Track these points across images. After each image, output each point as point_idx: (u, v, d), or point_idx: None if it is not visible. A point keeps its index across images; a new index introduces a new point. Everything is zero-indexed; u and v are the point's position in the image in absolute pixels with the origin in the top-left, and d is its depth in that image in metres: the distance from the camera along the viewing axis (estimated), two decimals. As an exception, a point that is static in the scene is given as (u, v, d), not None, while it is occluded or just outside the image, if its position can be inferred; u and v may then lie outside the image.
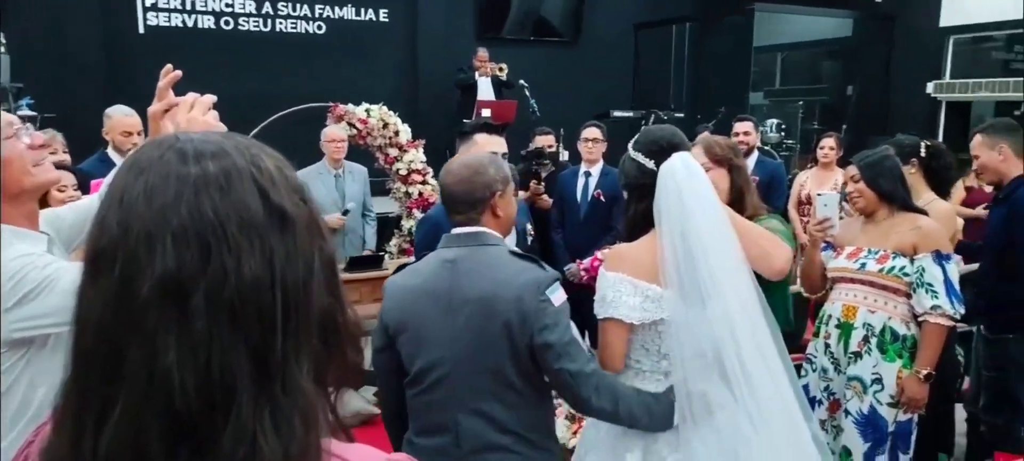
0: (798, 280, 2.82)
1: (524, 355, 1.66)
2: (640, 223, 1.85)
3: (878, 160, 2.55)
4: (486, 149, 2.41)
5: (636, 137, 1.92)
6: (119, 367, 0.56)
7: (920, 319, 2.45)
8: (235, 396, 0.56)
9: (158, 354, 0.55)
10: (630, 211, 1.90)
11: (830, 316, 2.60)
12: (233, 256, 0.58)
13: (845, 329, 2.54)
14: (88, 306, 0.58)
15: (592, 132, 4.32)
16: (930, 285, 2.41)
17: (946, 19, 8.12)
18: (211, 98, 1.46)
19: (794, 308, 2.53)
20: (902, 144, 2.87)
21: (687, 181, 1.77)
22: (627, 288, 1.77)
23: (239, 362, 0.57)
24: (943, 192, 3.06)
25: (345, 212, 4.52)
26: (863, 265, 2.53)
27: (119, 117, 3.86)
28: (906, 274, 2.45)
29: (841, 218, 2.69)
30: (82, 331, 0.59)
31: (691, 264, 1.73)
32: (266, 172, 0.63)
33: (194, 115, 1.34)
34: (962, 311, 2.44)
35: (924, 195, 2.84)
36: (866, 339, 2.49)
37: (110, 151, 3.83)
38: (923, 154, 2.88)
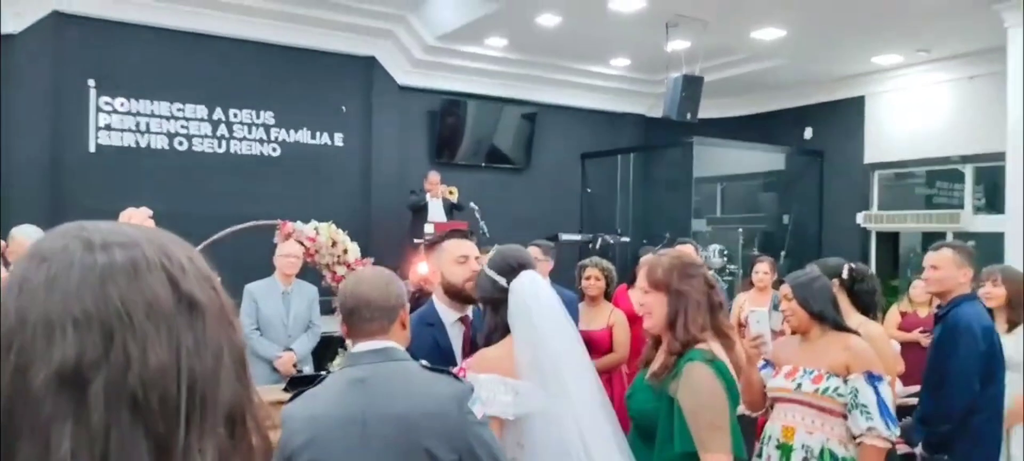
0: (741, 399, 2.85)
1: None
2: (498, 331, 2.06)
3: (808, 281, 2.67)
4: (457, 253, 2.41)
5: (490, 256, 2.18)
6: None
7: (857, 441, 2.47)
8: None
9: (52, 447, 0.53)
10: (487, 321, 2.11)
11: (770, 437, 2.62)
12: (138, 344, 0.56)
13: (784, 450, 2.56)
14: None
15: (534, 252, 4.39)
16: (864, 406, 2.44)
17: (870, 156, 8.74)
18: (146, 211, 1.46)
19: (743, 428, 2.55)
20: (827, 265, 3.02)
21: (533, 296, 2.00)
22: (499, 387, 1.87)
23: (138, 453, 0.55)
24: (869, 316, 3.18)
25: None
26: (799, 385, 2.58)
27: (20, 238, 3.65)
28: (840, 395, 2.49)
29: (778, 333, 2.77)
30: None
31: (541, 369, 1.90)
32: (176, 260, 0.62)
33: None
34: (896, 433, 2.47)
35: (854, 317, 2.94)
36: (805, 460, 2.51)
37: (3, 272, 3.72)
38: (845, 276, 3.02)
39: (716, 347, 2.10)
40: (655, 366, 2.15)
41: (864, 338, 2.62)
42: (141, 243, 0.62)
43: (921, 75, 8.25)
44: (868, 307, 3.03)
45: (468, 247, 2.51)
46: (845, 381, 2.50)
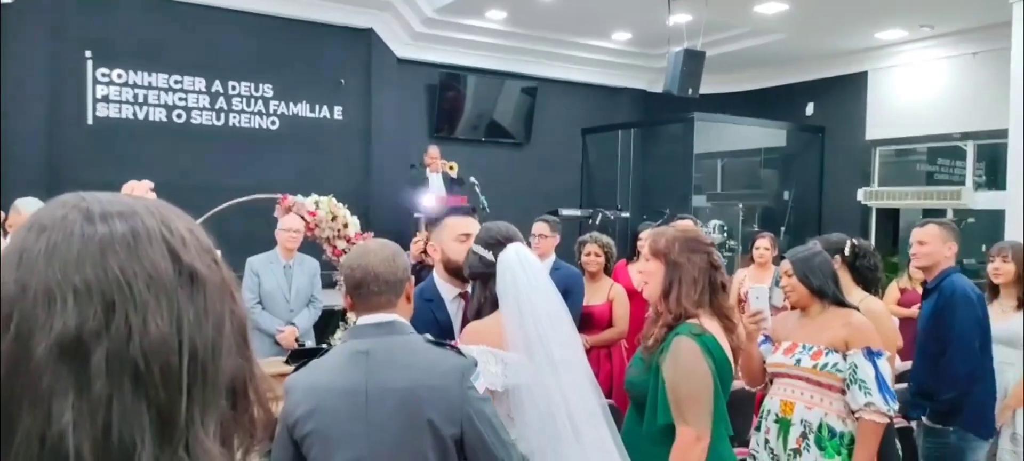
0: (740, 374, 2.87)
1: (450, 447, 1.61)
2: (487, 306, 2.08)
3: (809, 256, 2.66)
4: (458, 230, 2.41)
5: (477, 233, 2.21)
6: (11, 433, 0.53)
7: (856, 415, 2.49)
8: (135, 460, 0.54)
9: (53, 418, 0.52)
10: (476, 296, 2.13)
11: (769, 411, 2.64)
12: (139, 314, 0.55)
13: (783, 425, 2.57)
14: None
15: (540, 227, 4.38)
16: (863, 382, 2.45)
17: (871, 133, 8.70)
18: (148, 183, 1.47)
19: (739, 403, 2.58)
20: (829, 240, 3.02)
21: (520, 269, 2.00)
22: (488, 358, 1.89)
23: (140, 424, 0.54)
24: (871, 291, 3.20)
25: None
26: (798, 361, 2.59)
27: (24, 211, 3.64)
28: (839, 371, 2.50)
29: (779, 310, 2.77)
30: None
31: (528, 340, 1.92)
32: (177, 233, 0.61)
33: None
34: (895, 408, 2.49)
35: (855, 293, 2.93)
36: (804, 435, 2.52)
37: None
38: (846, 252, 3.02)
39: (711, 324, 2.11)
40: (648, 340, 2.18)
41: (865, 314, 2.61)
42: (141, 213, 0.61)
43: (924, 51, 8.18)
44: (869, 283, 3.03)
45: (470, 224, 2.49)
46: (844, 357, 2.51)
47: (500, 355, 1.88)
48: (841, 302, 2.63)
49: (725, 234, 8.17)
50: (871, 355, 2.49)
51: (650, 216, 7.83)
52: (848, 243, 3.00)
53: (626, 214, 8.45)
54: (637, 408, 2.21)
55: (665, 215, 7.40)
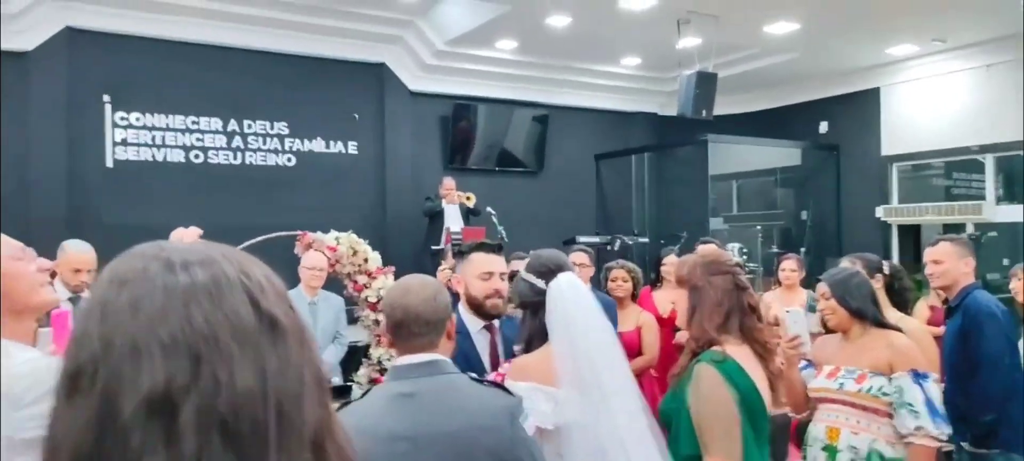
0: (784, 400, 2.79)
1: None
2: (536, 336, 2.02)
3: (846, 277, 2.61)
4: (482, 268, 2.38)
5: (528, 260, 2.17)
6: None
7: (905, 440, 2.41)
8: None
9: None
10: (526, 325, 2.09)
11: (815, 439, 2.57)
12: (226, 366, 0.54)
13: (830, 452, 2.50)
14: (64, 428, 0.54)
15: (579, 257, 4.17)
16: (911, 405, 2.38)
17: (887, 149, 8.65)
18: (197, 231, 1.53)
19: (776, 430, 2.51)
20: (866, 260, 2.97)
21: (572, 298, 1.96)
22: (538, 395, 1.85)
23: None
24: (904, 312, 3.14)
25: None
26: (841, 385, 2.52)
27: (73, 252, 3.69)
28: (885, 394, 2.43)
29: (816, 333, 2.72)
30: (55, 455, 0.54)
31: (579, 373, 1.87)
32: (255, 279, 0.60)
33: None
34: (948, 431, 2.40)
35: (891, 314, 2.88)
36: None
37: (57, 285, 3.72)
38: (887, 272, 2.97)
39: (737, 350, 2.03)
40: (676, 367, 2.14)
41: (907, 333, 2.56)
42: (219, 261, 0.60)
43: (937, 65, 8.16)
44: (904, 303, 2.98)
45: (494, 263, 2.46)
46: (889, 380, 2.45)
47: (550, 392, 1.83)
48: (881, 323, 2.58)
49: (744, 256, 8.11)
50: (918, 377, 2.42)
51: (668, 240, 7.79)
52: (886, 265, 2.95)
53: (644, 239, 8.41)
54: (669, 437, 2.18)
55: (683, 239, 7.37)
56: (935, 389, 2.43)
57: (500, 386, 1.66)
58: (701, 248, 4.61)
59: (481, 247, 2.54)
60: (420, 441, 1.52)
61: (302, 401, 0.58)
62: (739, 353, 2.04)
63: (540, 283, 2.04)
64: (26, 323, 1.53)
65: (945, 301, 3.25)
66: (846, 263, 2.98)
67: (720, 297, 2.08)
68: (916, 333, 2.71)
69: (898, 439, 2.43)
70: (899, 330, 2.56)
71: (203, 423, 0.53)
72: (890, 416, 2.44)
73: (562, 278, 2.01)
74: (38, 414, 1.29)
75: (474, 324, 2.43)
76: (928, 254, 3.18)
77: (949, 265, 3.08)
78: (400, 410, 1.56)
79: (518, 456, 1.54)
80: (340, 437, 0.63)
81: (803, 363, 2.66)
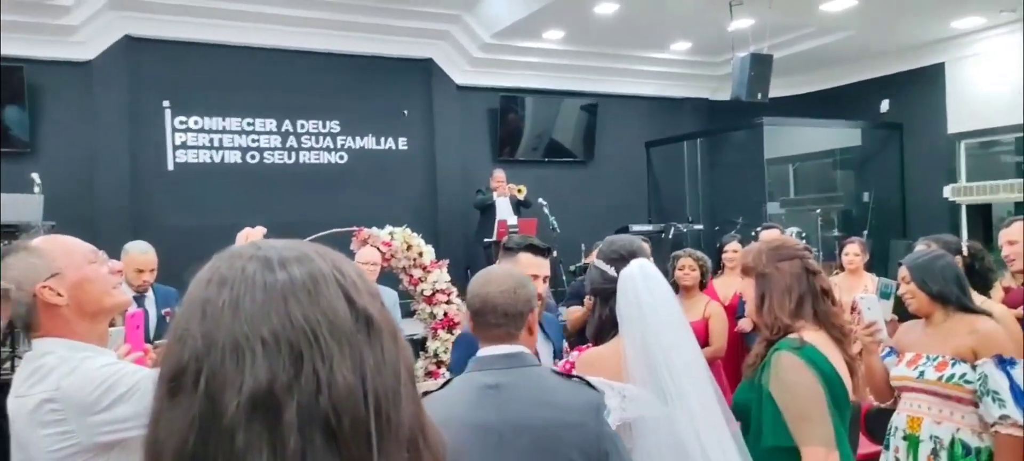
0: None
1: None
2: (607, 326, 1.96)
3: (929, 260, 2.49)
4: (528, 271, 2.34)
5: (600, 247, 2.10)
6: None
7: (992, 429, 2.29)
8: None
9: None
10: (595, 315, 2.03)
11: (896, 428, 2.47)
12: (326, 364, 0.54)
13: (912, 442, 2.40)
14: (167, 428, 0.54)
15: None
16: (996, 393, 2.26)
17: (953, 126, 8.29)
18: (262, 230, 1.56)
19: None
20: (943, 241, 2.83)
21: (644, 286, 1.87)
22: (607, 390, 1.76)
23: None
24: (986, 295, 2.99)
25: None
26: (922, 373, 2.41)
27: (135, 253, 3.76)
28: (968, 381, 2.32)
29: (898, 321, 2.60)
30: (158, 456, 0.54)
31: (652, 365, 1.79)
32: (349, 276, 0.60)
33: None
34: None
35: (974, 297, 2.74)
36: (935, 452, 2.34)
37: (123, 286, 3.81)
38: (965, 253, 2.82)
39: (814, 336, 1.95)
40: (750, 357, 2.06)
41: (994, 317, 2.42)
42: (314, 258, 0.60)
43: (1005, 37, 7.76)
44: (986, 285, 2.82)
45: (541, 266, 2.46)
46: (973, 367, 2.32)
47: (618, 388, 1.76)
48: (967, 307, 2.44)
49: (803, 240, 7.88)
50: (1003, 363, 2.29)
51: (723, 227, 7.63)
52: (965, 245, 2.81)
53: (699, 226, 8.26)
54: (744, 429, 2.10)
55: (739, 225, 7.20)
56: (1023, 375, 2.29)
57: (584, 381, 1.61)
58: (765, 234, 4.49)
59: (530, 248, 2.52)
60: (507, 433, 1.50)
61: (399, 399, 0.57)
62: (816, 339, 1.95)
63: (611, 270, 1.96)
64: (100, 325, 1.54)
65: None
66: (921, 247, 2.84)
67: (790, 282, 1.99)
68: (1004, 318, 2.57)
69: (984, 428, 2.31)
70: (987, 314, 2.42)
71: (306, 421, 0.52)
72: (975, 404, 2.32)
73: (634, 264, 1.91)
74: (112, 420, 1.31)
75: None
76: (1002, 235, 3.06)
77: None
78: (487, 402, 1.53)
79: (605, 450, 1.50)
80: (433, 435, 0.63)
81: (886, 350, 2.55)
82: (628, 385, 1.79)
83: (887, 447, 2.50)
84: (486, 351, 1.63)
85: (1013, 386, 2.27)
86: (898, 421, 2.46)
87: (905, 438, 2.42)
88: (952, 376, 2.35)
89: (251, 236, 1.50)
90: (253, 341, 0.53)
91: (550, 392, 1.55)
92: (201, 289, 0.58)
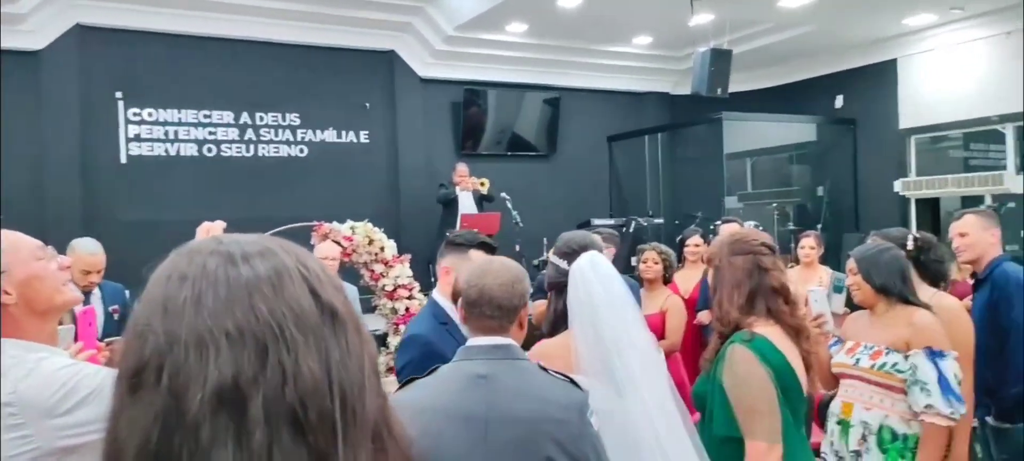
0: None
1: None
2: (560, 319, 1.99)
3: (875, 253, 2.57)
4: None
5: (556, 242, 2.16)
6: None
7: (919, 418, 2.38)
8: None
9: None
10: (551, 309, 2.06)
11: (833, 413, 2.58)
12: (292, 357, 0.54)
13: (843, 426, 2.51)
14: (128, 426, 0.53)
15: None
16: (924, 384, 2.35)
17: (904, 122, 8.53)
18: (222, 224, 1.55)
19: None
20: (889, 235, 2.91)
21: (594, 278, 1.88)
22: None
23: None
24: (939, 287, 3.06)
25: None
26: (857, 361, 2.51)
27: (83, 253, 3.51)
28: (899, 371, 2.40)
29: (842, 314, 2.69)
30: (119, 454, 0.54)
31: (604, 357, 1.80)
32: (313, 270, 0.61)
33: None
34: (962, 410, 2.36)
35: (925, 290, 2.77)
36: (863, 437, 2.45)
37: None
38: (910, 247, 2.91)
39: (769, 330, 1.99)
40: (707, 350, 2.10)
41: (938, 311, 2.50)
42: (277, 252, 0.60)
43: (955, 33, 8.01)
44: (938, 277, 2.90)
45: None
46: (905, 357, 2.41)
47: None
48: (908, 300, 2.52)
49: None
50: (933, 355, 2.37)
51: (683, 221, 7.73)
52: (910, 237, 2.89)
53: (660, 220, 8.36)
54: (704, 419, 2.15)
55: (698, 218, 7.30)
56: (952, 367, 2.37)
57: (569, 379, 1.62)
58: (724, 227, 4.57)
59: (482, 245, 2.50)
60: (492, 423, 1.50)
61: (364, 391, 0.58)
62: (770, 332, 2.00)
63: (564, 264, 2.00)
64: (49, 324, 1.51)
65: (973, 274, 3.20)
66: (871, 240, 2.92)
67: (740, 277, 2.04)
68: (951, 310, 2.63)
69: (912, 416, 2.40)
70: (927, 307, 2.50)
71: (272, 414, 0.52)
72: (904, 393, 2.41)
73: (584, 257, 1.94)
74: (74, 423, 1.28)
75: (455, 314, 2.38)
76: (953, 228, 3.14)
77: (974, 237, 3.04)
78: (475, 391, 1.53)
79: (584, 451, 1.51)
80: (397, 427, 0.63)
81: (835, 340, 2.63)
82: (578, 377, 1.82)
83: (825, 431, 2.59)
84: (476, 341, 1.62)
85: (941, 378, 2.34)
86: (834, 406, 2.56)
87: (839, 423, 2.52)
88: (883, 364, 2.44)
89: (211, 230, 1.48)
90: (217, 335, 0.53)
91: (537, 386, 1.56)
92: (161, 286, 0.57)
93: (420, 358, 2.14)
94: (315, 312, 0.57)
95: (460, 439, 1.48)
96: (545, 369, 1.63)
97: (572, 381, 1.62)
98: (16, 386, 1.30)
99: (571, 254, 1.99)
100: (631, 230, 7.55)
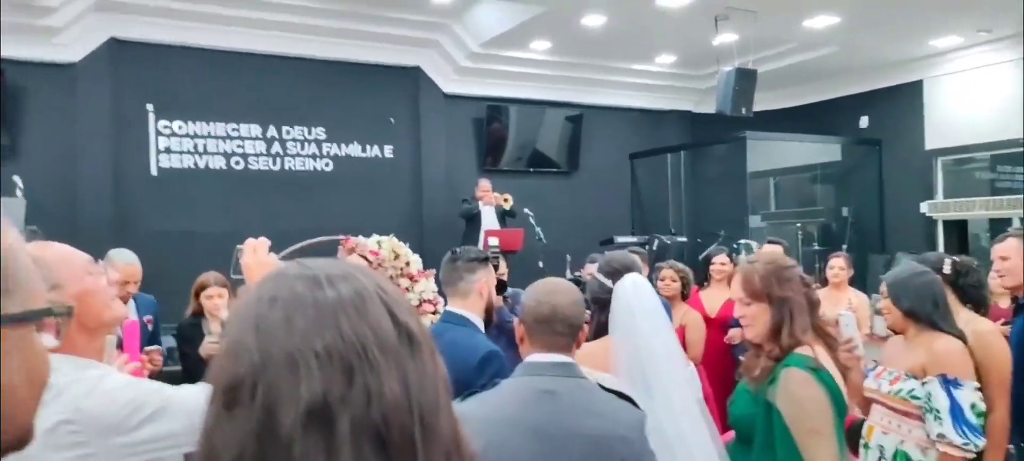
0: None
1: None
2: (602, 331, 2.20)
3: (906, 278, 2.54)
4: (494, 281, 2.48)
5: (599, 261, 2.42)
6: None
7: (936, 446, 2.34)
8: None
9: None
10: (593, 321, 2.22)
11: (859, 435, 2.58)
12: (375, 377, 0.56)
13: (865, 448, 2.54)
14: (222, 440, 0.56)
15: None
16: (937, 412, 2.32)
17: (931, 143, 8.46)
18: (266, 241, 1.57)
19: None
20: (925, 260, 2.87)
21: (636, 298, 2.11)
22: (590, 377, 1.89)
23: None
24: (980, 312, 2.97)
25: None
26: (880, 386, 2.52)
27: (121, 264, 3.55)
28: (915, 397, 2.38)
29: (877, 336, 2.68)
30: None
31: (640, 364, 2.00)
32: (390, 293, 0.63)
33: (259, 256, 1.48)
34: (978, 443, 2.30)
35: (962, 314, 2.70)
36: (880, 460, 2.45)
37: None
38: (947, 270, 2.87)
39: (820, 352, 2.00)
40: (755, 371, 2.08)
41: (974, 337, 2.46)
42: (357, 275, 0.63)
43: (982, 56, 7.95)
44: (978, 302, 2.85)
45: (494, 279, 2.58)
46: (922, 383, 2.39)
47: (597, 376, 1.83)
48: (937, 326, 2.46)
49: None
50: (947, 383, 2.34)
51: (705, 239, 7.70)
52: (948, 261, 2.86)
53: (682, 238, 8.33)
54: (741, 441, 2.13)
55: (721, 236, 7.28)
56: (969, 397, 2.32)
57: (628, 398, 1.66)
58: (766, 249, 4.54)
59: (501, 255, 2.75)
60: (558, 439, 1.51)
61: (439, 410, 0.60)
62: (821, 355, 2.01)
63: (608, 282, 2.22)
64: (98, 340, 1.48)
65: (1014, 299, 3.13)
66: (907, 265, 2.88)
67: (801, 300, 2.03)
68: (986, 335, 2.58)
69: (930, 444, 2.37)
70: (959, 334, 2.45)
71: (358, 433, 0.54)
72: (922, 420, 2.38)
73: (627, 278, 2.16)
74: (140, 440, 1.29)
75: (480, 324, 2.43)
76: (995, 251, 3.07)
77: (1015, 261, 2.95)
78: (544, 406, 1.55)
79: None
80: (466, 446, 0.65)
81: (873, 365, 2.62)
82: (607, 375, 1.87)
83: (856, 452, 2.58)
84: (539, 358, 1.64)
85: (953, 407, 2.31)
86: (864, 429, 2.56)
87: (864, 445, 2.54)
88: (900, 390, 2.43)
89: (256, 248, 1.50)
90: (307, 355, 0.55)
91: (601, 404, 1.60)
92: (252, 306, 0.60)
93: (499, 372, 2.16)
94: (394, 334, 0.59)
95: (525, 450, 1.48)
96: (605, 388, 1.66)
97: (631, 400, 1.65)
98: (80, 403, 1.27)
99: (614, 273, 2.22)
100: (654, 248, 7.54)
